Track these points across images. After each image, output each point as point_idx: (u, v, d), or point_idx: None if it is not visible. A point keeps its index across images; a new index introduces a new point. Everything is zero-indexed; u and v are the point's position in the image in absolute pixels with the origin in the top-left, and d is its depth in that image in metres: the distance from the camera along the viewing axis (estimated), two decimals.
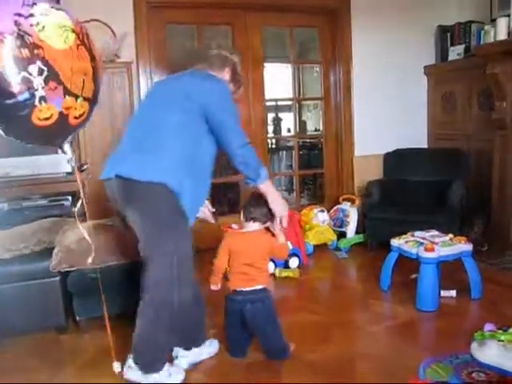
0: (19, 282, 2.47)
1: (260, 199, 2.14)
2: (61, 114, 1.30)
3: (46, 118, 1.29)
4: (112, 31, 3.42)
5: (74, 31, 1.28)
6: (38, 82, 1.21)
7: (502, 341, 1.66)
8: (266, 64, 4.25)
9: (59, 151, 1.70)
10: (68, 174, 3.22)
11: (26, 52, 1.18)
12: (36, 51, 1.19)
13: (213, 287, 2.25)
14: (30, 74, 1.20)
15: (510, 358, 1.62)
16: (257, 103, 4.20)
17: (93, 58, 1.34)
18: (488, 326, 1.78)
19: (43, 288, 2.51)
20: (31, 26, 1.19)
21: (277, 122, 7.34)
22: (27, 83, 1.21)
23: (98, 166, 3.31)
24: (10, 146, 3.10)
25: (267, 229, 2.24)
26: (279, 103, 6.26)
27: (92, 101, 1.38)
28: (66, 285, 2.53)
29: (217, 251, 2.23)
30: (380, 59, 4.35)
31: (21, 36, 1.17)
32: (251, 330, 2.18)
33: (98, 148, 3.32)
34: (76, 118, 1.38)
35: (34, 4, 1.23)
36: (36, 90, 1.23)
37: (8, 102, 1.21)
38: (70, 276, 2.51)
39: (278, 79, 5.05)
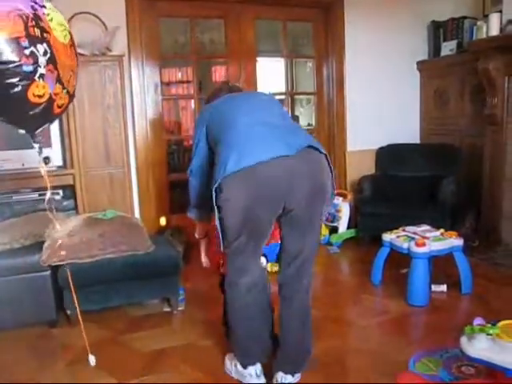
0: (9, 276, 2.45)
1: None
2: (50, 96, 1.42)
3: (39, 96, 1.41)
4: (104, 24, 3.39)
5: (69, 32, 1.44)
6: (41, 60, 1.35)
7: (491, 335, 1.67)
8: (258, 58, 4.23)
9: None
10: (59, 167, 3.20)
11: (38, 31, 1.33)
12: (45, 34, 1.35)
13: None
14: (38, 51, 1.34)
15: (498, 352, 1.63)
16: None
17: (77, 62, 1.50)
18: (477, 321, 1.79)
19: (34, 282, 2.50)
20: (43, 14, 1.35)
21: None
22: (34, 58, 1.35)
23: (88, 157, 3.33)
24: (1, 139, 3.08)
25: None
26: None
27: (71, 96, 1.49)
28: (57, 279, 2.51)
29: None
30: (373, 54, 4.35)
31: (36, 17, 1.32)
32: None
33: (88, 139, 3.30)
34: (59, 107, 1.48)
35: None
36: (39, 67, 1.36)
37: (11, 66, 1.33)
38: (60, 270, 2.50)
39: (270, 73, 5.02)
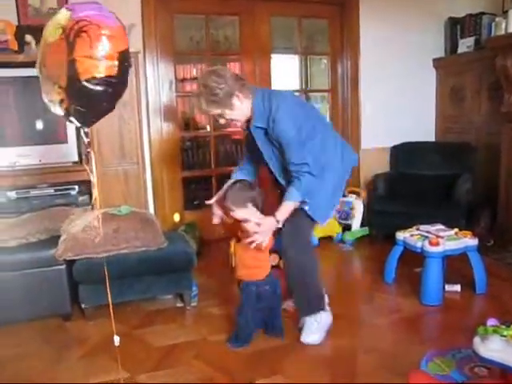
0: (26, 270, 2.50)
1: (240, 194, 2.21)
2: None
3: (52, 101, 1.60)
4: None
5: (62, 27, 1.47)
6: (37, 68, 1.56)
7: (505, 336, 1.65)
8: (273, 55, 4.22)
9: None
10: (74, 163, 3.24)
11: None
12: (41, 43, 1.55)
13: None
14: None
15: None
16: None
17: (71, 52, 1.47)
18: (491, 321, 1.77)
19: (49, 276, 2.54)
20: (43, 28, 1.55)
21: None
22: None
23: (103, 154, 3.37)
24: (18, 136, 3.13)
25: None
26: None
27: (67, 90, 1.50)
28: (72, 273, 2.55)
29: None
30: (388, 52, 4.31)
31: None
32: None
33: (103, 135, 3.33)
34: (59, 102, 1.55)
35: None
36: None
37: None
38: (75, 264, 2.54)
39: (285, 70, 5.01)
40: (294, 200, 2.18)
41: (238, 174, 2.45)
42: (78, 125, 1.62)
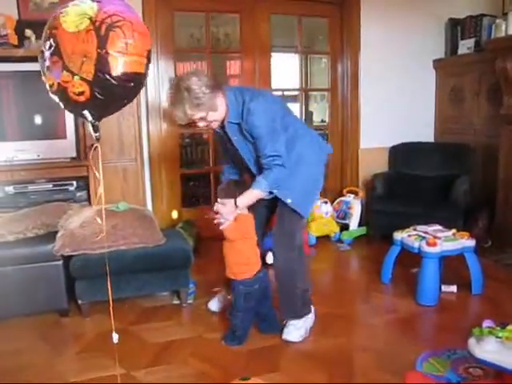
0: (23, 265, 2.50)
1: (225, 192, 2.28)
2: (59, 84, 1.47)
3: (50, 86, 1.51)
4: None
5: (90, 18, 1.43)
6: (47, 54, 1.46)
7: (500, 337, 1.66)
8: (273, 53, 4.22)
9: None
10: (73, 158, 3.23)
11: (48, 31, 1.46)
12: (54, 31, 1.44)
13: None
14: (45, 48, 1.46)
15: (507, 355, 1.61)
16: None
17: (102, 46, 1.44)
18: (486, 323, 1.78)
19: (46, 271, 2.54)
20: (60, 13, 1.45)
21: None
22: (42, 54, 1.49)
23: (102, 150, 3.34)
24: (17, 130, 3.12)
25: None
26: (286, 93, 6.22)
27: (91, 83, 1.46)
28: (69, 269, 2.55)
29: None
30: (388, 52, 4.31)
31: (53, 19, 1.47)
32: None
33: (102, 131, 3.29)
34: (76, 94, 1.47)
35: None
36: (45, 61, 1.47)
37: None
38: (72, 260, 2.54)
39: (285, 69, 5.01)
40: (259, 188, 2.19)
41: (226, 176, 2.50)
42: (89, 118, 1.59)
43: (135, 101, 3.38)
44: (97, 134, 1.67)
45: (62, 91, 1.47)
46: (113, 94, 1.53)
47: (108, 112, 1.65)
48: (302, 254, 2.39)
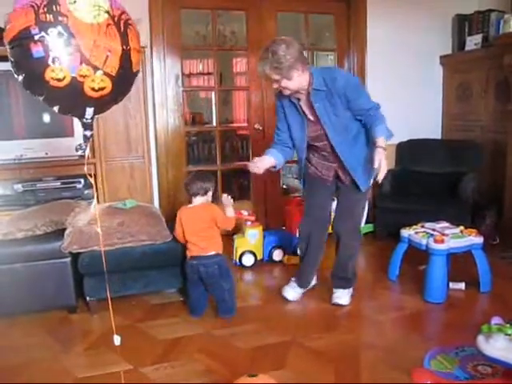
0: (31, 262, 2.51)
1: (196, 177, 2.55)
2: (74, 79, 1.39)
3: (59, 79, 1.39)
4: None
5: (108, 12, 1.41)
6: (53, 43, 1.34)
7: (509, 335, 1.65)
8: None
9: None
10: (81, 156, 3.24)
11: (50, 17, 1.35)
12: (60, 18, 1.35)
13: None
14: (48, 35, 1.34)
15: None
16: (270, 90, 4.15)
17: (125, 42, 1.44)
18: (495, 320, 1.76)
19: (54, 268, 2.56)
20: None
21: None
22: (43, 42, 1.36)
23: (109, 147, 3.38)
24: (25, 129, 3.15)
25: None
26: None
27: (114, 78, 1.44)
28: (77, 266, 2.56)
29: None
30: (395, 48, 4.29)
31: (51, 3, 1.35)
32: (208, 286, 2.53)
33: (109, 129, 3.35)
34: (94, 90, 1.42)
35: None
36: (50, 51, 1.35)
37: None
38: (80, 257, 2.55)
39: None
40: (384, 136, 2.45)
41: (271, 152, 2.57)
42: (89, 116, 1.55)
43: (142, 98, 3.40)
44: (91, 133, 1.62)
45: (74, 85, 1.40)
46: (127, 90, 1.56)
47: (103, 110, 1.60)
48: (361, 235, 2.84)
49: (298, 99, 2.46)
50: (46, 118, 3.17)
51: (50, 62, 1.37)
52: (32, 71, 1.40)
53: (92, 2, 1.39)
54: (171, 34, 3.78)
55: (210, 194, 2.54)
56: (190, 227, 2.50)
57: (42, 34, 1.34)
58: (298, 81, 2.33)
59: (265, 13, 4.03)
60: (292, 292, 2.78)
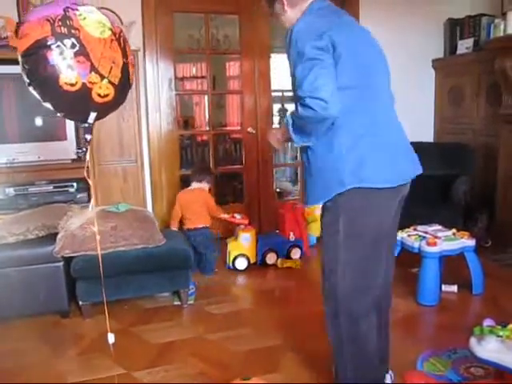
0: (23, 266, 2.50)
1: (202, 168, 3.56)
2: (84, 84, 1.55)
3: (71, 84, 1.56)
4: (119, 19, 3.41)
5: (110, 30, 1.62)
6: (68, 53, 1.52)
7: (501, 336, 1.66)
8: (272, 55, 4.22)
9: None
10: (73, 160, 3.24)
11: (64, 30, 1.53)
12: (73, 31, 1.54)
13: (172, 228, 3.29)
14: (64, 45, 1.52)
15: (508, 354, 1.62)
16: (263, 94, 4.18)
17: (125, 56, 1.65)
18: (487, 322, 1.78)
19: (47, 272, 2.55)
20: (75, 15, 1.55)
21: (283, 112, 7.30)
22: (60, 51, 1.54)
23: (102, 151, 3.37)
24: (17, 132, 3.13)
25: None
26: (286, 94, 6.25)
27: (117, 87, 1.61)
28: (70, 270, 2.55)
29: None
30: (387, 52, 4.19)
31: (64, 18, 1.54)
32: (198, 249, 3.21)
33: (102, 133, 3.34)
34: (100, 96, 1.59)
35: (83, 4, 1.61)
36: (65, 59, 1.53)
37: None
38: (73, 261, 2.54)
39: (285, 70, 5.01)
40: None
41: None
42: (92, 120, 1.69)
43: (135, 102, 3.40)
44: (90, 137, 1.75)
45: (85, 90, 1.57)
46: (122, 100, 1.71)
47: (104, 116, 1.75)
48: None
49: None
50: (39, 121, 3.15)
51: (63, 69, 1.54)
52: (48, 77, 1.56)
53: (98, 20, 1.60)
54: (164, 38, 3.78)
55: (205, 182, 3.36)
56: (187, 205, 3.25)
57: (58, 43, 1.52)
58: (283, 18, 1.89)
59: (257, 17, 4.04)
60: None
